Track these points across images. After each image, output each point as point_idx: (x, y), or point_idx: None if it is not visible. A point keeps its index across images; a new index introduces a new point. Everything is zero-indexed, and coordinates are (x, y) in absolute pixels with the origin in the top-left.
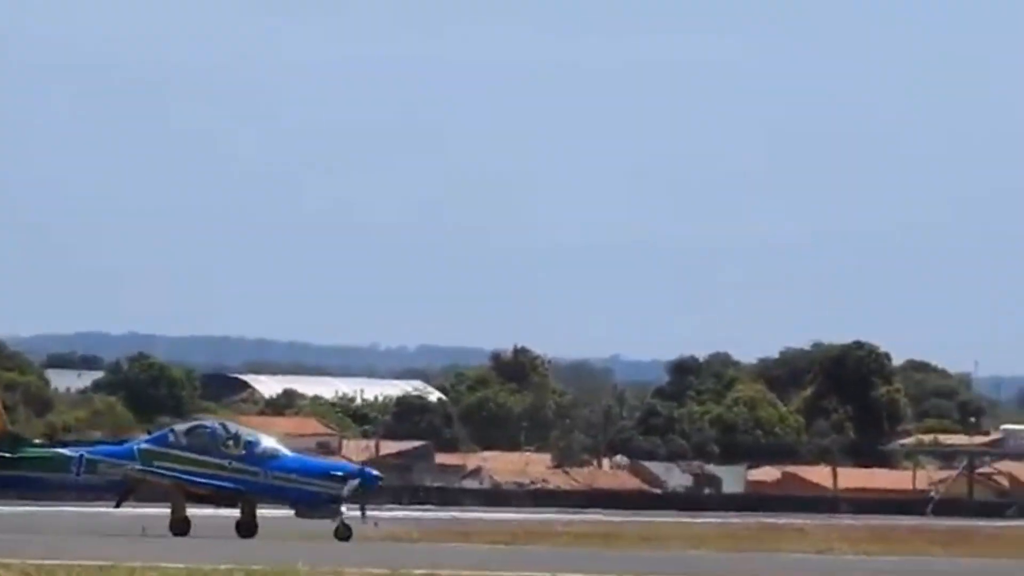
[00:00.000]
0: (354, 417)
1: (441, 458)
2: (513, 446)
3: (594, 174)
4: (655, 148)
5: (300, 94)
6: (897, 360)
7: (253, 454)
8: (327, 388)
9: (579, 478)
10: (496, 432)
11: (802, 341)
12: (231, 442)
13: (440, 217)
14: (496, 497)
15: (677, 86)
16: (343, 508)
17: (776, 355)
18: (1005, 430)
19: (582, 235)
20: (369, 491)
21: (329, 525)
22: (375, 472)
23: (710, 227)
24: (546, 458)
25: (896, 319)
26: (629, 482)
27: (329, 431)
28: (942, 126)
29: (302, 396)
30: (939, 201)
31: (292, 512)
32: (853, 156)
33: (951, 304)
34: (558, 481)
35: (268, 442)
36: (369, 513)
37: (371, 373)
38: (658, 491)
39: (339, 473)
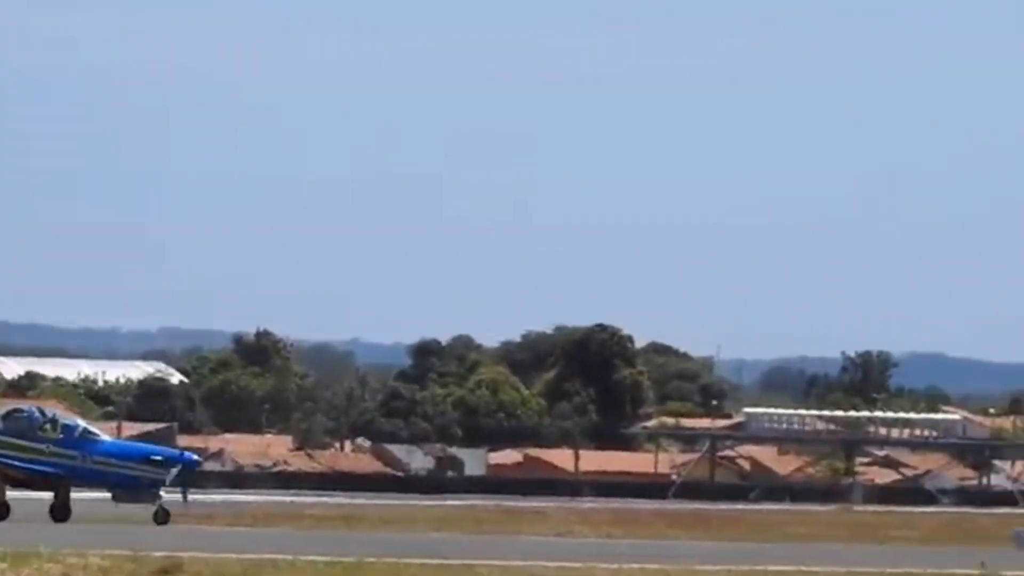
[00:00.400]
0: (96, 399)
1: (183, 440)
2: (255, 428)
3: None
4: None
5: None
6: (640, 343)
7: (71, 438)
8: (69, 370)
9: (321, 460)
10: (238, 414)
11: (545, 324)
12: (48, 426)
13: (185, 204)
14: (238, 479)
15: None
16: (162, 492)
17: (519, 338)
18: (747, 413)
19: (322, 218)
20: (189, 474)
21: (148, 509)
22: (195, 456)
23: (452, 209)
24: (288, 440)
25: (639, 302)
26: (371, 465)
27: (71, 413)
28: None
29: (44, 378)
30: (679, 189)
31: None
32: (595, 146)
33: (694, 288)
34: (300, 463)
35: (86, 427)
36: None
37: (113, 355)
38: (400, 474)
39: (158, 457)
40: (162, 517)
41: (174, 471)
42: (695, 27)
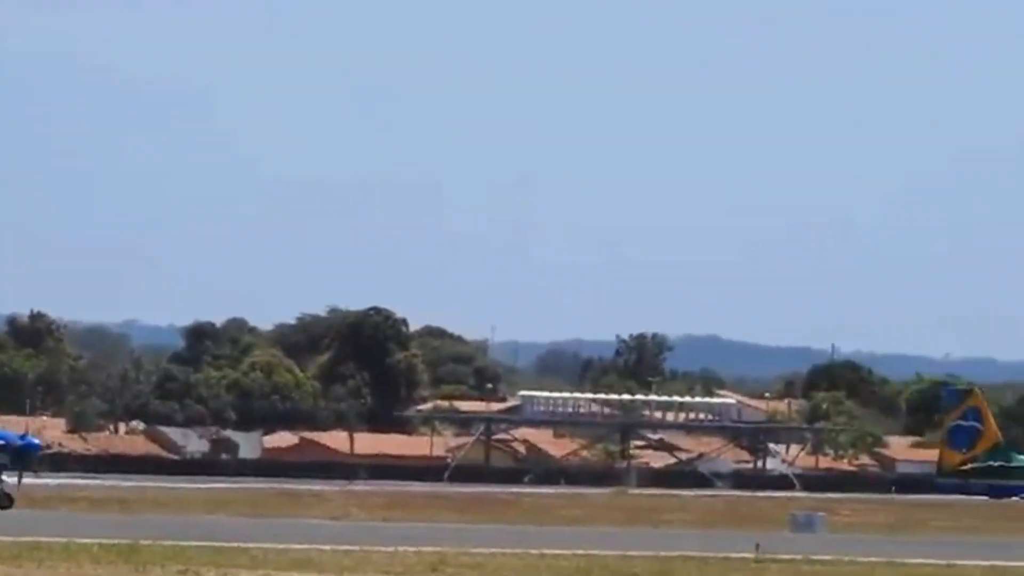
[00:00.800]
0: None
1: None
2: (28, 411)
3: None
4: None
5: None
6: (414, 326)
7: None
8: None
9: (95, 443)
10: (11, 396)
11: (319, 307)
12: None
13: None
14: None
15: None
16: (4, 477)
17: (293, 321)
18: (522, 396)
19: (106, 202)
20: (34, 459)
21: None
22: (37, 441)
23: (226, 191)
24: (62, 423)
25: (413, 285)
26: (146, 447)
27: None
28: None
29: None
30: (472, 181)
31: None
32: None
33: (468, 270)
34: (74, 446)
35: None
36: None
37: None
38: (175, 456)
39: (0, 443)
40: (4, 502)
41: (18, 465)
42: (695, 27)
